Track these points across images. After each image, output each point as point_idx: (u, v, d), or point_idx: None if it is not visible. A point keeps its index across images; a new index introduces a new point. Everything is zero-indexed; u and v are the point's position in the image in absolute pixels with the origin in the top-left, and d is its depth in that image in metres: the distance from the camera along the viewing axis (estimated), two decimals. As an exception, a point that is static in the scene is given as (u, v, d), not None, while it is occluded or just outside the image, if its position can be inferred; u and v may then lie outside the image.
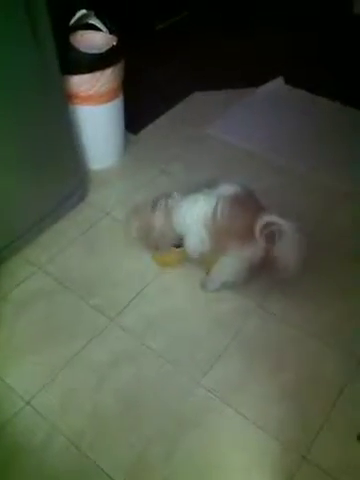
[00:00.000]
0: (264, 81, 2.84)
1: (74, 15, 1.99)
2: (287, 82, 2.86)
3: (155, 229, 1.72)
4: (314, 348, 1.66)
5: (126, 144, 2.45)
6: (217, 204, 1.60)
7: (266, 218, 1.53)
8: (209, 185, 1.70)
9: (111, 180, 2.33)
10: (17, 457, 1.43)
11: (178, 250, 1.80)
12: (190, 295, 1.82)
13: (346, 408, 1.51)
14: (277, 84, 2.85)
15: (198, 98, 2.77)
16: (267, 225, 1.53)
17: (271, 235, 1.54)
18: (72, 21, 2.00)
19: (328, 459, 1.41)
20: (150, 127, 2.60)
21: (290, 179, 2.28)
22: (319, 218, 2.09)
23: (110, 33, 2.06)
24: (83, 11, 2.00)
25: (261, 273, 1.78)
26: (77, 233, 2.05)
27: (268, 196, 2.17)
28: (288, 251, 1.56)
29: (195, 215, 1.64)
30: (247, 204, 1.62)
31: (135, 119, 2.48)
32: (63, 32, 1.93)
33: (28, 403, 1.53)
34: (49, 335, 1.71)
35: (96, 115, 2.17)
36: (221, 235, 1.62)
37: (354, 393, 1.54)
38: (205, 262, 1.80)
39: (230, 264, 1.69)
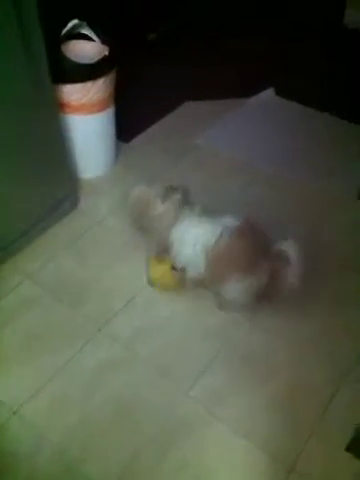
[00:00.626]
0: (255, 92, 2.86)
1: (66, 25, 2.00)
2: (278, 93, 2.88)
3: (161, 219, 1.70)
4: (301, 358, 1.67)
5: (117, 153, 2.45)
6: (221, 235, 1.60)
7: (276, 249, 1.61)
8: (210, 212, 1.71)
9: (102, 189, 2.33)
10: (5, 467, 1.42)
11: (177, 272, 1.77)
12: (179, 305, 1.82)
13: (334, 419, 1.51)
14: (268, 95, 2.87)
15: (189, 108, 2.78)
16: (276, 256, 1.60)
17: (278, 259, 1.61)
18: (64, 31, 2.01)
19: (316, 470, 1.41)
20: (141, 136, 2.61)
21: (280, 189, 2.30)
22: (309, 228, 2.10)
23: (102, 43, 2.07)
24: (75, 21, 2.01)
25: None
26: (68, 241, 2.04)
27: (259, 206, 2.20)
28: (294, 273, 1.62)
29: (195, 235, 1.64)
30: (251, 237, 1.63)
31: (126, 128, 2.49)
32: (55, 41, 1.94)
33: (15, 413, 1.52)
34: (38, 343, 1.70)
35: (88, 124, 2.17)
36: (218, 265, 1.62)
37: (342, 404, 1.55)
38: (199, 284, 1.77)
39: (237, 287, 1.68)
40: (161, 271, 1.81)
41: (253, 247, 1.61)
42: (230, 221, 1.65)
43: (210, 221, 1.66)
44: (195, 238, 1.64)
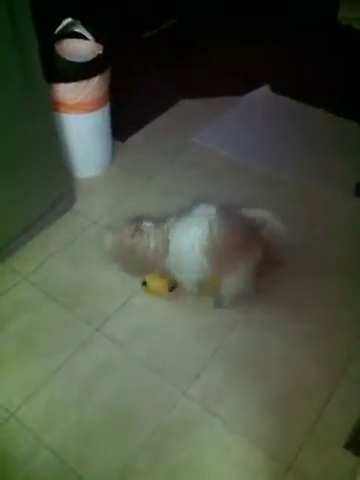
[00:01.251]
0: (250, 89, 2.86)
1: (59, 23, 1.99)
2: (273, 90, 2.87)
3: (147, 250, 1.62)
4: (299, 357, 1.66)
5: (113, 152, 2.45)
6: (211, 227, 1.56)
7: (257, 214, 1.63)
8: (183, 209, 1.69)
9: (98, 188, 2.32)
10: (2, 470, 1.41)
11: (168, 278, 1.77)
12: (175, 305, 1.81)
13: (331, 417, 1.51)
14: (263, 92, 2.86)
15: (185, 106, 2.78)
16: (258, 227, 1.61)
17: (261, 229, 1.63)
18: (57, 29, 1.99)
19: (314, 468, 1.41)
20: (137, 135, 2.60)
21: (275, 187, 2.29)
22: (304, 227, 2.09)
23: (96, 41, 2.06)
24: (69, 19, 1.99)
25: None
26: (63, 242, 2.04)
27: (253, 204, 2.19)
28: (279, 233, 1.66)
29: (190, 243, 1.58)
30: (234, 218, 1.63)
31: (122, 127, 2.48)
32: (48, 40, 1.92)
33: (12, 415, 1.52)
34: (34, 345, 1.70)
35: (83, 123, 2.16)
36: (223, 258, 1.60)
37: (339, 402, 1.55)
38: (204, 289, 1.75)
39: (238, 277, 1.67)
40: (158, 284, 1.80)
41: (241, 230, 1.60)
42: (206, 210, 1.63)
43: (192, 220, 1.63)
44: (191, 243, 1.59)
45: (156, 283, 1.80)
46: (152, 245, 1.60)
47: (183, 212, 1.67)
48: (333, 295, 1.85)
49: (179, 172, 2.38)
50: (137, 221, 1.67)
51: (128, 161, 2.45)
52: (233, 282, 1.67)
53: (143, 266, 1.67)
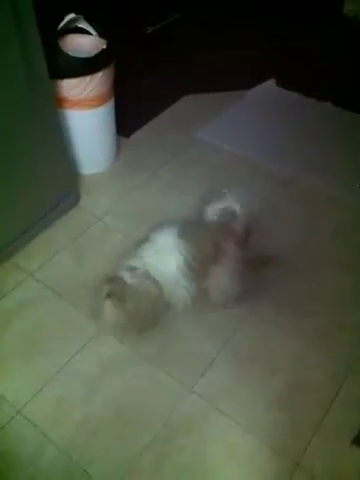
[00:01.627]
0: (255, 83, 2.84)
1: (62, 19, 1.98)
2: (278, 84, 2.85)
3: (149, 298, 1.56)
4: (305, 354, 1.66)
5: (117, 148, 2.44)
6: (183, 251, 1.55)
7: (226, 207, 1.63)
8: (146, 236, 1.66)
9: (103, 185, 2.32)
10: (8, 466, 1.41)
11: None
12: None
13: (338, 414, 1.51)
14: (268, 86, 2.85)
15: (189, 101, 2.76)
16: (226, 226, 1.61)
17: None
18: (61, 25, 1.98)
19: (321, 465, 1.40)
20: (142, 131, 2.59)
21: (279, 183, 2.28)
22: (309, 224, 2.08)
23: (99, 37, 2.05)
24: (72, 15, 1.98)
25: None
26: (68, 239, 2.03)
27: (258, 199, 2.18)
28: (250, 216, 1.68)
29: (173, 273, 1.56)
30: (199, 228, 1.65)
31: (126, 122, 2.47)
32: (51, 36, 1.91)
33: (19, 412, 1.52)
34: (40, 342, 1.69)
35: (87, 119, 2.15)
36: (201, 271, 1.59)
37: (346, 398, 1.54)
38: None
39: (228, 277, 1.67)
40: None
41: (209, 238, 1.60)
42: (171, 232, 1.59)
43: (164, 251, 1.57)
44: (173, 274, 1.56)
45: None
46: (149, 299, 1.55)
47: (148, 238, 1.63)
48: (338, 292, 1.84)
49: (184, 168, 2.36)
50: (112, 279, 1.53)
51: (132, 157, 2.44)
52: (219, 287, 1.68)
53: (151, 318, 1.64)
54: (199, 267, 1.57)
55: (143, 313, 1.55)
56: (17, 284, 1.87)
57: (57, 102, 1.97)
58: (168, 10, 2.50)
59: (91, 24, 2.04)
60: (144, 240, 1.64)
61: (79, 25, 2.04)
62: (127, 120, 2.46)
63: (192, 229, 1.63)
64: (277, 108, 2.72)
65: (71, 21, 1.99)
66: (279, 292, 1.83)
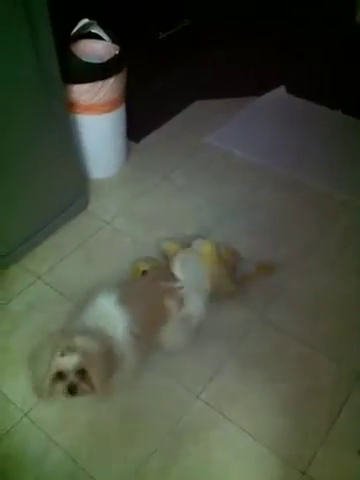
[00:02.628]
0: (266, 90, 2.84)
1: (76, 24, 1.99)
2: (289, 91, 2.85)
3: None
4: (314, 360, 1.65)
5: (128, 153, 2.45)
6: (125, 313, 1.45)
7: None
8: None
9: (112, 189, 2.32)
10: (14, 469, 1.41)
11: None
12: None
13: (346, 422, 1.49)
14: (279, 93, 2.85)
15: (199, 107, 2.77)
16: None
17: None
18: (74, 30, 1.99)
19: (328, 474, 1.39)
20: (152, 136, 2.60)
21: (290, 188, 2.28)
22: (319, 229, 2.08)
23: (112, 42, 2.06)
24: (85, 20, 1.99)
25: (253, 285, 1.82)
26: (77, 242, 2.04)
27: (267, 206, 2.19)
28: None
29: (121, 336, 1.44)
30: (137, 286, 1.62)
31: (137, 127, 2.48)
32: (65, 41, 1.93)
33: (26, 415, 1.52)
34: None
35: (98, 124, 2.16)
36: (149, 327, 1.52)
37: (354, 406, 1.53)
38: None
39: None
40: None
41: (148, 293, 1.56)
42: (111, 298, 1.48)
43: (108, 314, 1.46)
44: (122, 336, 1.44)
45: None
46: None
47: (86, 302, 1.51)
48: (349, 296, 1.83)
49: (194, 173, 2.37)
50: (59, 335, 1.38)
51: (142, 162, 2.45)
52: (170, 345, 1.63)
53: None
54: (143, 333, 1.47)
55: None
56: (26, 287, 1.88)
57: (68, 107, 1.98)
58: (179, 16, 2.51)
59: (104, 30, 2.05)
60: (84, 304, 1.51)
61: (92, 30, 2.05)
62: (137, 125, 2.46)
63: (131, 292, 1.54)
64: (287, 115, 2.73)
65: (84, 26, 2.01)
66: (288, 297, 1.83)
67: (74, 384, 1.29)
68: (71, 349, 1.28)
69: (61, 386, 1.29)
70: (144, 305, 1.51)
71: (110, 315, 1.44)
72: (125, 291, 1.51)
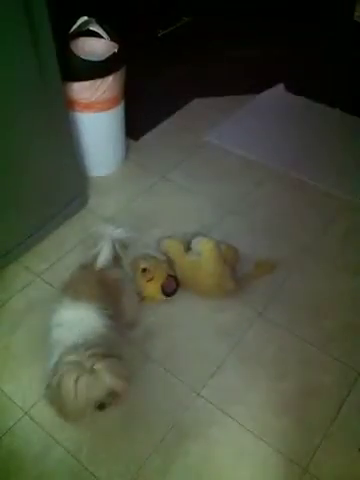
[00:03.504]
0: (265, 88, 2.84)
1: (75, 22, 1.98)
2: (287, 89, 2.85)
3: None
4: (315, 358, 1.65)
5: (127, 151, 2.44)
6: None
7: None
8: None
9: (112, 187, 2.32)
10: (15, 468, 1.41)
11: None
12: (191, 304, 1.80)
13: (347, 419, 1.50)
14: (277, 91, 2.85)
15: (199, 105, 2.77)
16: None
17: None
18: (73, 28, 1.99)
19: (330, 471, 1.39)
20: (151, 134, 2.60)
21: (290, 186, 2.28)
22: (319, 228, 2.08)
23: (111, 40, 2.05)
24: (84, 18, 1.99)
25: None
26: (77, 240, 2.03)
27: (267, 204, 2.19)
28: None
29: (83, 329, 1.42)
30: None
31: (136, 125, 2.48)
32: (64, 39, 1.92)
33: (27, 413, 1.52)
34: (46, 344, 1.68)
35: (97, 122, 2.16)
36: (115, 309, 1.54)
37: (355, 404, 1.53)
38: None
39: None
40: (150, 290, 1.78)
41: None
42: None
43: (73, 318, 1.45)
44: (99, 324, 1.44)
45: (148, 289, 1.79)
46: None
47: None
48: (350, 296, 1.83)
49: (193, 171, 2.37)
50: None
51: (141, 159, 2.45)
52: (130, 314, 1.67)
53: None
54: (114, 312, 1.50)
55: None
56: (25, 285, 1.87)
57: (68, 104, 1.97)
58: (179, 14, 2.51)
59: (103, 27, 2.05)
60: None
61: (91, 28, 2.04)
62: (136, 123, 2.46)
63: (80, 288, 1.53)
64: (286, 113, 2.73)
65: (83, 24, 2.00)
66: (289, 295, 1.83)
67: (104, 403, 1.30)
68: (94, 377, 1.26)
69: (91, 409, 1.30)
70: (97, 290, 1.50)
71: (79, 319, 1.43)
72: (73, 290, 1.50)
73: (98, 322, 1.44)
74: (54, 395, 1.30)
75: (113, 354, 1.35)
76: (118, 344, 1.45)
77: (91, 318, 1.44)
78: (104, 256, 1.58)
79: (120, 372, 1.30)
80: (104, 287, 1.53)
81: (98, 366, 1.26)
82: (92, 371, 1.26)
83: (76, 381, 1.24)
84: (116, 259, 1.63)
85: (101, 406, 1.30)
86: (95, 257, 1.59)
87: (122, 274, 1.64)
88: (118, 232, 1.64)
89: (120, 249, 1.63)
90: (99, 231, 1.65)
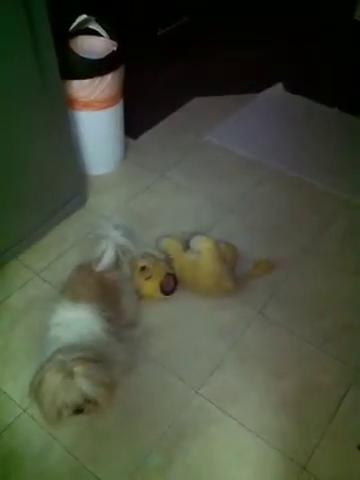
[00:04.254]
0: (264, 87, 2.84)
1: (74, 20, 1.98)
2: (286, 88, 2.85)
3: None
4: (314, 356, 1.65)
5: (126, 149, 2.44)
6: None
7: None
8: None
9: (110, 185, 2.32)
10: (14, 466, 1.41)
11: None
12: (190, 303, 1.80)
13: (346, 418, 1.50)
14: (276, 90, 2.85)
15: (198, 104, 2.77)
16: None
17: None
18: (72, 26, 1.99)
19: (328, 470, 1.39)
20: (150, 132, 2.59)
21: (290, 186, 2.28)
22: (318, 227, 2.08)
23: (110, 38, 2.05)
24: (83, 16, 1.99)
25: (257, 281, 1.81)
26: (75, 239, 2.03)
27: (266, 204, 2.19)
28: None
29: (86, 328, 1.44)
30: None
31: (135, 124, 2.48)
32: (63, 37, 1.92)
33: (25, 411, 1.52)
34: (44, 343, 1.68)
35: (96, 121, 2.16)
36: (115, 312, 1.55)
37: (354, 402, 1.53)
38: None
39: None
40: (149, 288, 1.78)
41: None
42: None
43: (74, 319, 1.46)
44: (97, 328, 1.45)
45: (146, 288, 1.79)
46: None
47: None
48: (349, 295, 1.83)
49: (192, 170, 2.37)
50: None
51: (140, 158, 2.45)
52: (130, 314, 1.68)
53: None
54: (113, 314, 1.51)
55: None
56: (24, 283, 1.87)
57: (67, 103, 1.97)
58: (178, 13, 2.51)
59: (102, 26, 2.05)
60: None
61: (90, 26, 2.04)
62: (135, 121, 2.46)
63: (79, 289, 1.53)
64: (285, 112, 2.73)
65: (83, 22, 2.00)
66: (289, 294, 1.83)
67: (81, 409, 1.30)
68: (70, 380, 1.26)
69: (67, 412, 1.31)
70: (96, 291, 1.51)
71: (77, 320, 1.44)
72: (71, 291, 1.51)
73: (95, 324, 1.44)
74: (35, 392, 1.31)
75: (101, 359, 1.35)
76: (113, 349, 1.45)
77: (89, 320, 1.44)
78: (107, 259, 1.58)
79: (100, 379, 1.30)
80: (103, 288, 1.54)
81: (77, 369, 1.26)
82: (70, 374, 1.26)
83: (54, 381, 1.25)
84: (117, 259, 1.64)
85: (78, 411, 1.30)
86: (96, 259, 1.59)
87: (121, 275, 1.65)
88: (120, 234, 1.65)
89: (121, 251, 1.64)
90: (101, 233, 1.65)
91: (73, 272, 1.62)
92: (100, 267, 1.57)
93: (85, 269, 1.60)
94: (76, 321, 1.44)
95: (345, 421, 1.49)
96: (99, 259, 1.59)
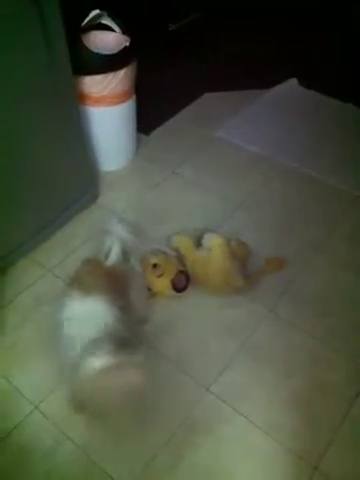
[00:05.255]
0: (277, 82, 2.82)
1: (87, 15, 1.98)
2: (300, 83, 2.83)
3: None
4: (325, 355, 1.64)
5: (137, 145, 2.43)
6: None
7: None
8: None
9: (122, 181, 2.31)
10: (25, 462, 1.42)
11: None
12: (201, 301, 1.80)
13: (358, 416, 1.49)
14: (290, 85, 2.82)
15: (209, 99, 2.75)
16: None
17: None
18: (85, 21, 1.98)
19: (340, 469, 1.38)
20: (161, 128, 2.59)
21: (301, 182, 2.26)
22: (329, 224, 2.07)
23: (123, 33, 2.04)
24: (96, 11, 1.98)
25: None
26: (87, 235, 2.03)
27: (276, 200, 2.17)
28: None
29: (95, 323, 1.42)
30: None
31: (146, 120, 2.47)
32: (75, 32, 1.92)
33: (36, 407, 1.52)
34: (57, 338, 1.69)
35: (108, 116, 2.15)
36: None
37: (366, 403, 1.52)
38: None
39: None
40: (160, 286, 1.78)
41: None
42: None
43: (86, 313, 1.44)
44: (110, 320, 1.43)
45: (158, 285, 1.78)
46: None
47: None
48: (357, 293, 1.82)
49: (203, 166, 2.36)
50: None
51: (152, 154, 2.44)
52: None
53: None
54: (125, 304, 1.50)
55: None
56: (36, 280, 1.88)
57: (79, 99, 1.97)
58: (190, 9, 2.49)
59: (115, 21, 2.04)
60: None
61: (103, 21, 2.03)
62: (147, 117, 2.45)
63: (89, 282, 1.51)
64: (298, 107, 2.70)
65: (95, 17, 1.99)
66: (298, 292, 1.82)
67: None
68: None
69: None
70: (105, 282, 1.49)
71: (91, 312, 1.43)
72: (79, 284, 1.49)
73: (108, 315, 1.43)
74: (81, 388, 1.31)
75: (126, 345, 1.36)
76: (131, 337, 1.44)
77: (101, 311, 1.43)
78: (115, 254, 1.58)
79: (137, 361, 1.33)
80: (111, 278, 1.53)
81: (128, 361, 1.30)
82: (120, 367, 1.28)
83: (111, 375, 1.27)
84: (124, 254, 1.63)
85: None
86: (104, 254, 1.58)
87: (129, 268, 1.64)
88: (124, 229, 1.64)
89: (128, 246, 1.63)
90: (107, 229, 1.65)
91: (80, 265, 1.61)
92: (109, 262, 1.57)
93: (93, 261, 1.60)
94: (88, 314, 1.43)
95: (357, 420, 1.48)
96: (106, 254, 1.58)
